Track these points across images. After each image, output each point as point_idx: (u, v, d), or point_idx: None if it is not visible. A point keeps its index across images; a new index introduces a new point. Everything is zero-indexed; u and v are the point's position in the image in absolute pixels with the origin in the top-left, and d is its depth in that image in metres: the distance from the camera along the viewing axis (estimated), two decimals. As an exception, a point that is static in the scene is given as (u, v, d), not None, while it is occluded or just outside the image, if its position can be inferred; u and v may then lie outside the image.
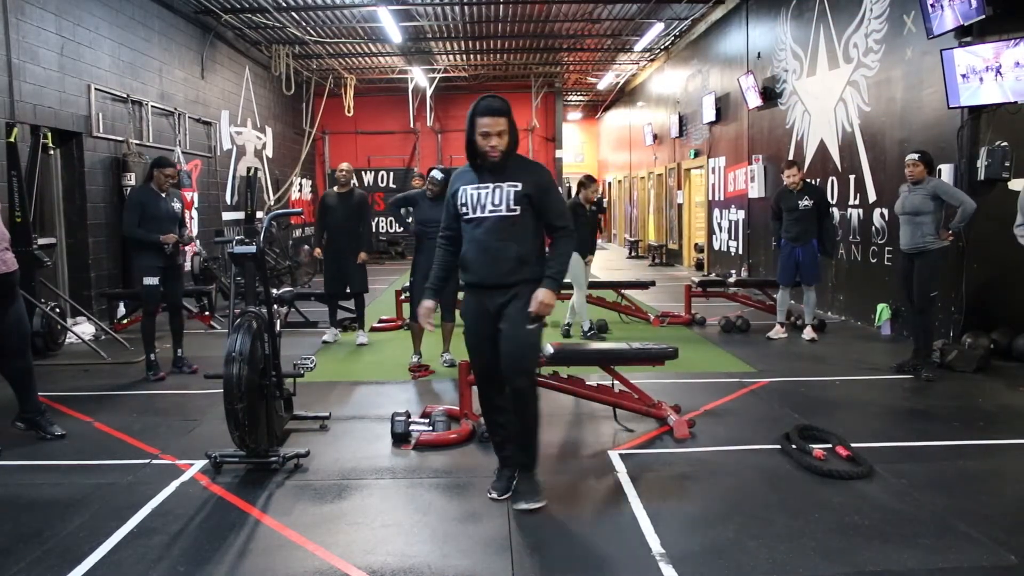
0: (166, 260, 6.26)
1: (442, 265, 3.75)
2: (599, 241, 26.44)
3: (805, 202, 7.54)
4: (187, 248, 10.86)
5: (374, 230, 20.73)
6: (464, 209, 3.52)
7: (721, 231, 13.63)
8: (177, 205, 6.37)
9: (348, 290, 7.80)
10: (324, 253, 7.83)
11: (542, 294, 3.44)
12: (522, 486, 3.61)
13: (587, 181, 8.10)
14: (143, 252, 6.23)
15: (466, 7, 13.08)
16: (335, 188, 7.92)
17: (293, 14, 12.97)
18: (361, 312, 7.93)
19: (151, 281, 6.21)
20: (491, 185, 3.48)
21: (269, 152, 16.02)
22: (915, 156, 6.08)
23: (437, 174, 6.55)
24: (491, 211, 3.46)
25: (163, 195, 6.26)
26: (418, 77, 18.74)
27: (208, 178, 12.47)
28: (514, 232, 3.48)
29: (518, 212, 3.46)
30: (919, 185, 6.06)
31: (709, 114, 13.57)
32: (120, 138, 9.44)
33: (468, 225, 3.54)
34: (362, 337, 7.79)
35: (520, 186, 3.45)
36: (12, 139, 7.01)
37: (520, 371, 3.52)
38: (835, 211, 9.11)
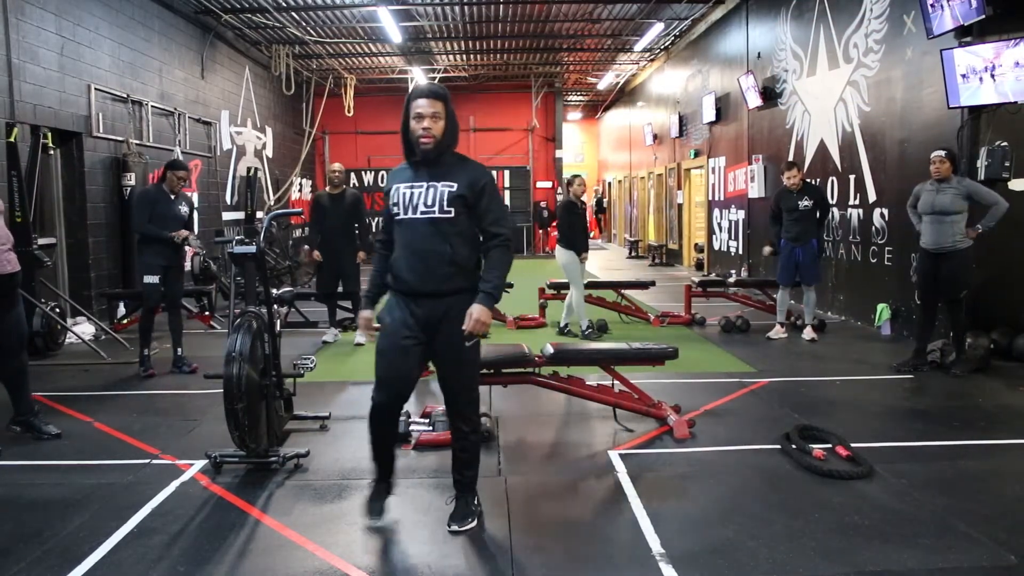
0: (169, 259, 6.28)
1: (381, 271, 3.39)
2: (599, 241, 26.57)
3: (805, 202, 7.54)
4: (187, 248, 10.89)
5: (374, 230, 20.72)
6: (396, 209, 3.24)
7: (721, 231, 13.63)
8: (185, 208, 6.40)
9: (341, 289, 7.80)
10: (322, 254, 7.84)
11: (477, 311, 3.15)
12: (460, 508, 3.42)
13: (571, 179, 8.25)
14: (147, 250, 6.27)
15: (466, 7, 13.09)
16: (327, 189, 7.89)
17: (293, 14, 12.97)
18: (357, 312, 7.91)
19: (152, 279, 6.25)
20: (425, 184, 3.20)
21: (269, 152, 16.02)
22: (941, 153, 6.01)
23: None
24: (423, 212, 3.18)
25: (173, 197, 6.30)
26: (418, 77, 18.73)
27: (208, 178, 12.48)
28: (449, 236, 3.19)
29: (452, 214, 3.19)
30: (946, 183, 5.98)
31: (709, 114, 13.57)
32: (120, 138, 9.44)
33: (399, 227, 3.26)
34: (360, 336, 7.78)
35: (455, 186, 3.18)
36: (12, 139, 7.02)
37: (469, 401, 3.37)
38: (835, 211, 9.12)
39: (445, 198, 3.18)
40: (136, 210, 6.36)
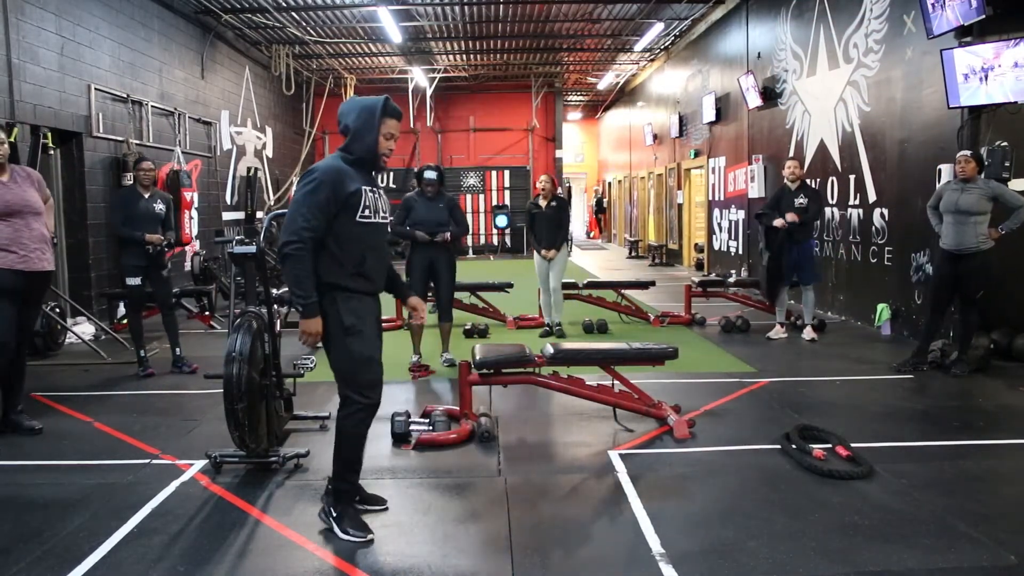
0: (149, 259, 6.26)
1: (311, 274, 3.17)
2: (599, 240, 26.55)
3: (800, 199, 7.53)
4: (186, 248, 10.88)
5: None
6: (367, 212, 3.23)
7: (721, 231, 13.64)
8: (160, 206, 6.32)
9: None
10: None
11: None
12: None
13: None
14: (126, 252, 6.28)
15: (466, 7, 13.09)
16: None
17: (293, 14, 12.97)
18: None
19: (134, 281, 6.26)
20: (378, 190, 3.33)
21: (269, 152, 16.03)
22: (967, 153, 5.97)
23: (432, 174, 6.54)
24: (383, 217, 3.35)
25: (146, 195, 6.26)
26: (418, 77, 18.75)
27: (208, 178, 12.47)
28: None
29: None
30: (972, 183, 5.91)
31: (709, 114, 13.57)
32: (120, 138, 9.44)
33: (365, 230, 3.24)
34: None
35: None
36: (12, 139, 7.01)
37: None
38: (835, 211, 9.12)
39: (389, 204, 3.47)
40: (111, 212, 6.35)
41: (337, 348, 3.27)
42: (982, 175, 6.05)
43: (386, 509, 3.56)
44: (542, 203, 7.97)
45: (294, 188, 3.26)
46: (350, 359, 3.28)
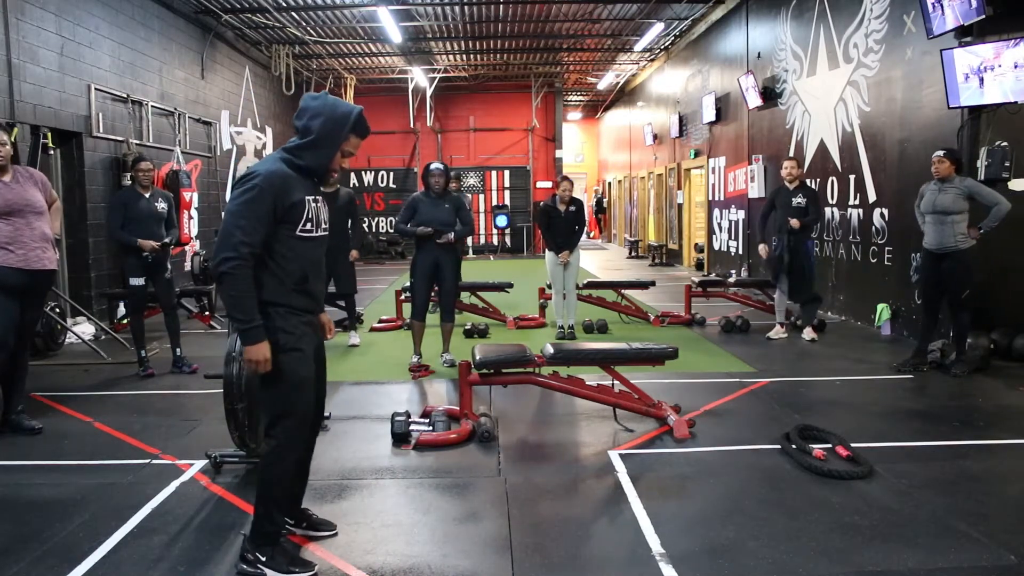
0: (151, 259, 6.24)
1: (253, 294, 2.84)
2: (599, 240, 26.56)
3: (799, 199, 7.53)
4: (186, 248, 10.89)
5: (374, 230, 20.78)
6: (308, 225, 2.93)
7: (721, 231, 13.64)
8: (161, 204, 6.28)
9: (335, 290, 7.65)
10: None
11: None
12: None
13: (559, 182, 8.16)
14: (128, 252, 6.26)
15: (466, 7, 13.10)
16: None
17: (293, 14, 12.98)
18: (352, 313, 7.89)
19: (137, 281, 6.24)
20: (320, 199, 3.04)
21: (269, 152, 16.02)
22: (940, 153, 5.96)
23: (439, 166, 6.46)
24: (324, 230, 3.06)
25: (146, 195, 6.23)
26: (418, 77, 18.76)
27: (208, 178, 12.48)
28: None
29: None
30: (948, 183, 5.93)
31: (709, 114, 13.57)
32: (120, 138, 9.44)
33: (305, 245, 2.95)
34: (354, 338, 7.68)
35: None
36: (12, 139, 7.00)
37: None
38: (835, 211, 9.12)
39: None
40: (109, 215, 6.31)
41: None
42: (959, 174, 6.05)
43: (335, 535, 3.30)
44: (561, 207, 7.90)
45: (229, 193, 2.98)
46: (281, 380, 2.88)
